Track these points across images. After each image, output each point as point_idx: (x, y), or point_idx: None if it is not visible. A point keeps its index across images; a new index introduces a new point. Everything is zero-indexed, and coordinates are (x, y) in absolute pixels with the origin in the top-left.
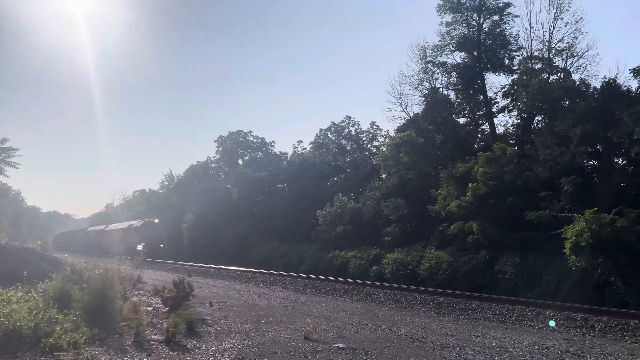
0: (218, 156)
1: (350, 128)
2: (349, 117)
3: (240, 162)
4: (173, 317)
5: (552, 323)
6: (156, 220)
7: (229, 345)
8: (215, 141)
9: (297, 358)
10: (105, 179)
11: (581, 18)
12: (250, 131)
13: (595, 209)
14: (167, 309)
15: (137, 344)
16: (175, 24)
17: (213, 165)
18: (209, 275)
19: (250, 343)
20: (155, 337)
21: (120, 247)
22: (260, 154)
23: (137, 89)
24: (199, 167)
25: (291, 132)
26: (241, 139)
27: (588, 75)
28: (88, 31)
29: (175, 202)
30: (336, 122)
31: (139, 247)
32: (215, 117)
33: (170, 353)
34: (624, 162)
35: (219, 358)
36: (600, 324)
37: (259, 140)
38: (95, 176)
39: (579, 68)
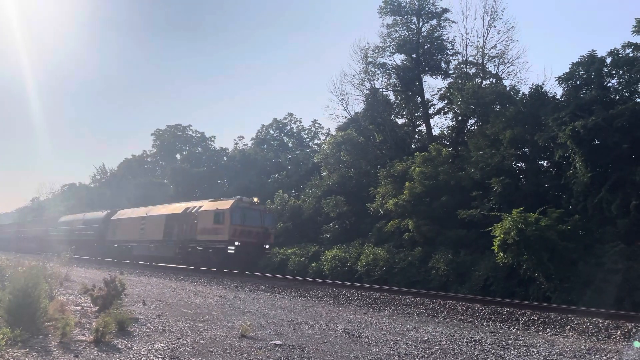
0: (155, 150)
1: (292, 125)
2: (291, 114)
3: (178, 156)
4: (103, 316)
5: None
6: (255, 200)
7: (162, 345)
8: (152, 134)
9: (233, 356)
10: (32, 172)
11: (512, 27)
12: (190, 125)
13: (522, 208)
14: (97, 308)
15: (64, 344)
16: (113, 19)
17: (149, 159)
18: (143, 273)
19: (184, 342)
20: (83, 338)
21: (166, 248)
22: (199, 149)
23: (71, 81)
24: (134, 161)
25: (232, 128)
26: (180, 132)
27: (518, 82)
28: (20, 23)
29: (108, 197)
30: (278, 119)
31: (230, 250)
32: (153, 111)
33: (100, 354)
34: (549, 164)
35: (151, 358)
36: (524, 317)
37: (199, 135)
38: (19, 169)
39: (509, 74)
